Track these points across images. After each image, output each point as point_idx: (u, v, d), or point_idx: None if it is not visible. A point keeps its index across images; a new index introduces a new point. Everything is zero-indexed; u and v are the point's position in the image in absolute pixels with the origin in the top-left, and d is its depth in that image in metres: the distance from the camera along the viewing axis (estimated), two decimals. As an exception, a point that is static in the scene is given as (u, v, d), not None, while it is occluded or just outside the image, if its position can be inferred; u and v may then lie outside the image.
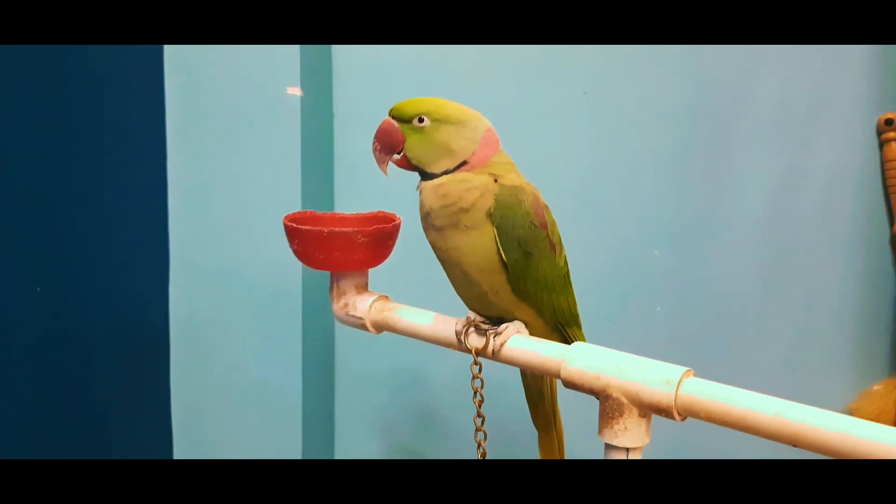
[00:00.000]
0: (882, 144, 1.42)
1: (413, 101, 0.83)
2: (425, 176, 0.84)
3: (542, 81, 1.38)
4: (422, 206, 0.83)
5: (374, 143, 0.84)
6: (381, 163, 0.84)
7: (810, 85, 1.41)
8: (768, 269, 1.45)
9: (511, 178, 0.82)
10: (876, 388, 1.47)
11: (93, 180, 1.26)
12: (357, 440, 1.51)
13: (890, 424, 1.40)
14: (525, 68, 1.38)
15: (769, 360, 1.46)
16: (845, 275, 1.46)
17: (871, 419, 1.42)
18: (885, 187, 1.43)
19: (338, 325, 1.48)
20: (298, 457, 1.38)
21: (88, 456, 1.29)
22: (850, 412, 1.46)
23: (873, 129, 1.42)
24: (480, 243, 0.80)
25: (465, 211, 0.79)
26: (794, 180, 1.43)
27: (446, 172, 0.82)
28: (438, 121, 0.81)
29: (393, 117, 0.83)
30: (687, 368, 0.70)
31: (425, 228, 0.85)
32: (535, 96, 1.38)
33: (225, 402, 1.40)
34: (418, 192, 0.84)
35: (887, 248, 1.46)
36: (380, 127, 0.84)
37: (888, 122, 1.40)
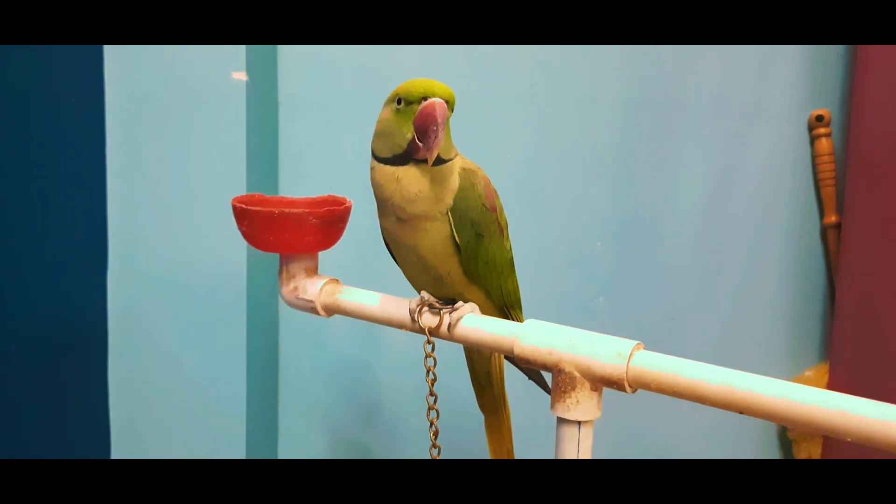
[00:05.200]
0: (813, 140, 1.48)
1: (447, 87, 0.78)
2: (406, 161, 0.78)
3: (488, 72, 1.39)
4: (395, 193, 0.79)
5: (436, 129, 0.75)
6: (437, 149, 0.76)
7: (744, 83, 1.46)
8: (706, 260, 1.49)
9: (463, 161, 0.82)
10: (808, 374, 1.52)
11: (27, 171, 1.21)
12: (302, 436, 1.49)
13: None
14: (472, 59, 1.38)
15: (706, 349, 1.50)
16: (779, 266, 1.52)
17: (804, 405, 1.49)
18: (816, 181, 1.49)
19: (282, 318, 1.46)
20: (242, 453, 1.35)
21: (23, 452, 1.25)
22: (784, 398, 1.51)
23: (805, 125, 1.48)
24: (436, 226, 0.80)
25: (442, 199, 0.79)
26: (730, 175, 1.47)
27: (440, 161, 0.79)
28: (453, 109, 0.79)
29: (446, 102, 0.77)
30: (637, 342, 0.72)
31: (385, 215, 0.82)
32: (481, 87, 1.39)
33: (166, 399, 1.37)
34: (393, 179, 0.79)
35: (818, 239, 1.52)
36: (441, 111, 0.75)
37: (818, 118, 1.46)
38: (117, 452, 1.39)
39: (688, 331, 1.49)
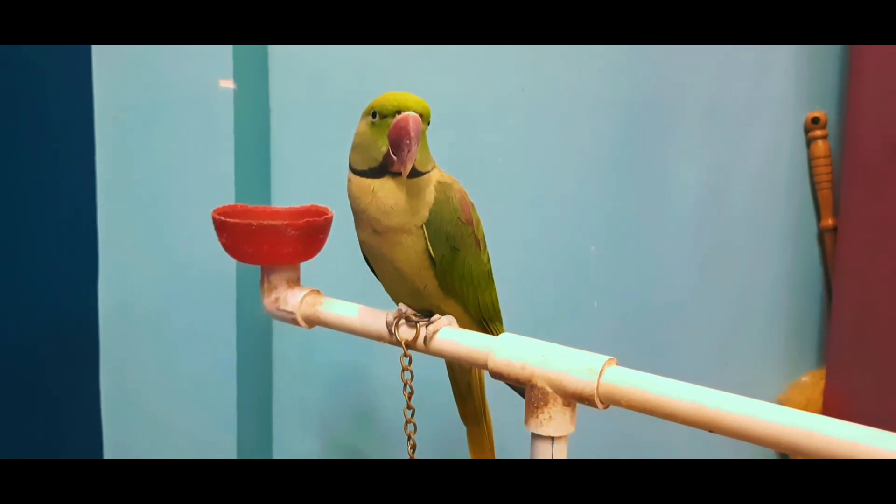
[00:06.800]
0: (809, 142, 1.46)
1: (422, 100, 0.78)
2: (382, 174, 0.79)
3: (480, 77, 1.39)
4: (371, 205, 0.79)
5: (409, 142, 0.75)
6: (411, 162, 0.76)
7: (740, 84, 1.44)
8: (702, 264, 1.48)
9: (440, 174, 0.82)
10: (804, 379, 1.51)
11: (17, 177, 1.22)
12: (295, 437, 1.50)
13: (817, 413, 1.44)
14: (463, 64, 1.38)
15: (704, 354, 1.49)
16: (776, 270, 1.50)
17: (800, 409, 1.47)
18: (813, 184, 1.48)
19: (276, 323, 1.46)
20: (233, 454, 1.36)
21: (15, 455, 1.26)
22: (781, 402, 1.50)
23: (801, 127, 1.46)
24: (411, 240, 0.80)
25: (417, 212, 0.79)
26: (726, 177, 1.46)
27: (416, 174, 0.79)
28: (428, 122, 0.79)
29: (420, 115, 0.77)
30: (609, 357, 0.71)
31: (362, 227, 0.82)
32: (473, 92, 1.39)
33: (157, 400, 1.38)
34: (369, 191, 0.79)
35: (815, 243, 1.50)
36: (415, 124, 0.75)
37: (815, 120, 1.44)
38: (109, 445, 1.40)
39: (683, 335, 1.48)
